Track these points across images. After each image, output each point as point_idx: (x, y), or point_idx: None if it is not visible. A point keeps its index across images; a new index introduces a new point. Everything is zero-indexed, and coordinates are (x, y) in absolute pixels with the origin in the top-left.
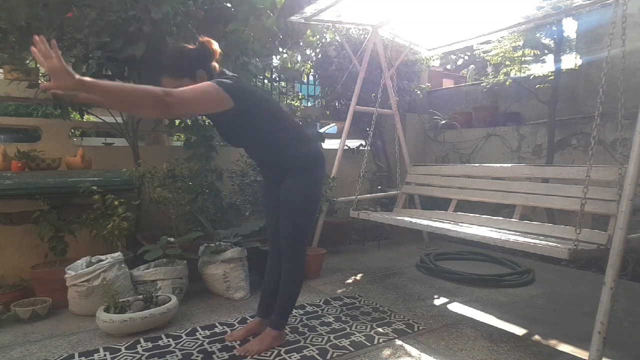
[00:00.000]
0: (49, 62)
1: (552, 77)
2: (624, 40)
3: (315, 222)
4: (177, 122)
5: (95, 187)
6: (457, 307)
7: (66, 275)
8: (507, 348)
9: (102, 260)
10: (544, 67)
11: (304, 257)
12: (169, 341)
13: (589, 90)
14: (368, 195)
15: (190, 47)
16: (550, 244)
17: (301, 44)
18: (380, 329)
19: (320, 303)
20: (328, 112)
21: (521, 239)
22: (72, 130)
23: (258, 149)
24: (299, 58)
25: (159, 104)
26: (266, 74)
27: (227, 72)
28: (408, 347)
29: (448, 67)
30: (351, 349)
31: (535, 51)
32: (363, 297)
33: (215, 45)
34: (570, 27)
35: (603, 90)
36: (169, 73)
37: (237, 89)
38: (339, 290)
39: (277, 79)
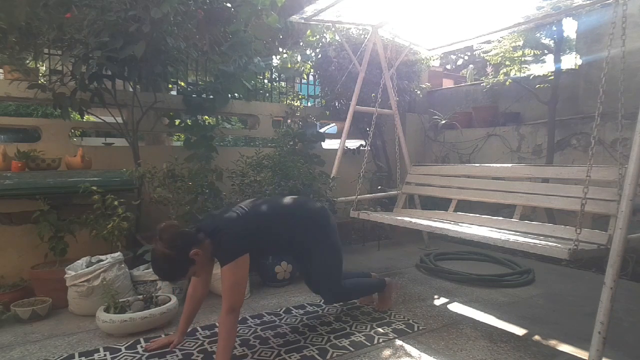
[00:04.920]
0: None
1: (552, 77)
2: (624, 40)
3: None
4: (177, 122)
5: (95, 187)
6: (457, 307)
7: (66, 275)
8: (507, 348)
9: (102, 260)
10: (544, 67)
11: None
12: None
13: (589, 90)
14: (368, 195)
15: (167, 243)
16: (550, 244)
17: (301, 44)
18: (380, 329)
19: (321, 303)
20: (328, 112)
21: (521, 239)
22: (72, 130)
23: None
24: (299, 58)
25: (235, 318)
26: (266, 74)
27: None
28: (408, 347)
29: (448, 67)
30: (351, 349)
31: (535, 51)
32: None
33: (175, 224)
34: (570, 27)
35: (603, 90)
36: (177, 279)
37: (239, 246)
38: None
39: (277, 78)
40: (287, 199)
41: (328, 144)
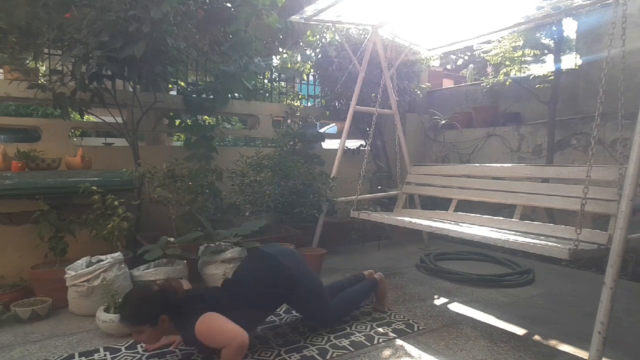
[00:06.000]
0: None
1: (552, 77)
2: (624, 40)
3: (315, 222)
4: (177, 122)
5: (95, 187)
6: (457, 307)
7: (66, 275)
8: (507, 348)
9: (102, 260)
10: (544, 67)
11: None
12: None
13: (589, 90)
14: (368, 195)
15: (154, 289)
16: (550, 244)
17: (301, 44)
18: (380, 329)
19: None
20: (328, 112)
21: (521, 239)
22: (72, 130)
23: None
24: (299, 58)
25: (236, 350)
26: (266, 74)
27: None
28: (408, 347)
29: (448, 67)
30: (351, 349)
31: (535, 51)
32: None
33: (179, 283)
34: (570, 27)
35: (603, 90)
36: (129, 321)
37: (202, 308)
38: None
39: (277, 78)
40: (245, 279)
41: (328, 144)
